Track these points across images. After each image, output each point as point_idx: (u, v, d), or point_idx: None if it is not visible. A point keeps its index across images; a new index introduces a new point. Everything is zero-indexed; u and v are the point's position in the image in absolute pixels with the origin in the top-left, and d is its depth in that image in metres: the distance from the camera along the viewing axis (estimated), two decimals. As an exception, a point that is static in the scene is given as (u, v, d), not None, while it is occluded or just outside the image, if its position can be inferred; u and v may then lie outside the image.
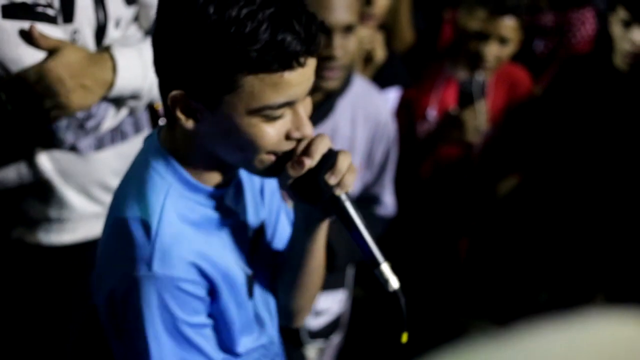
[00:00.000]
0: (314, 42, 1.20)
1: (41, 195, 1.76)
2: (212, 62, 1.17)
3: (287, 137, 1.25)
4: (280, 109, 1.21)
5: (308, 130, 1.26)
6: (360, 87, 2.16)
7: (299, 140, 1.26)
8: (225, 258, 1.34)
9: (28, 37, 1.55)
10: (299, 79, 1.20)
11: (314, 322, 2.26)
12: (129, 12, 1.77)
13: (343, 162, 1.27)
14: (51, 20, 1.60)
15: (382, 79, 2.54)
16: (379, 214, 2.29)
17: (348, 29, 1.92)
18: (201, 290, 1.28)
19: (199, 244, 1.28)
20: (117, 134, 1.80)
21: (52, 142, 1.65)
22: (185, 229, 1.27)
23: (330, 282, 2.26)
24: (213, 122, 1.23)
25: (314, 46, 1.20)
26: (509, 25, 2.55)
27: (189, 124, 1.23)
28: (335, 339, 2.40)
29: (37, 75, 1.55)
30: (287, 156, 1.26)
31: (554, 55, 3.11)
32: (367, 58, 2.61)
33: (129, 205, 1.28)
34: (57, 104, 1.57)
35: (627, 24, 2.50)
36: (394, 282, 1.28)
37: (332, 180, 1.27)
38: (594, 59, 2.73)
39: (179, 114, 1.23)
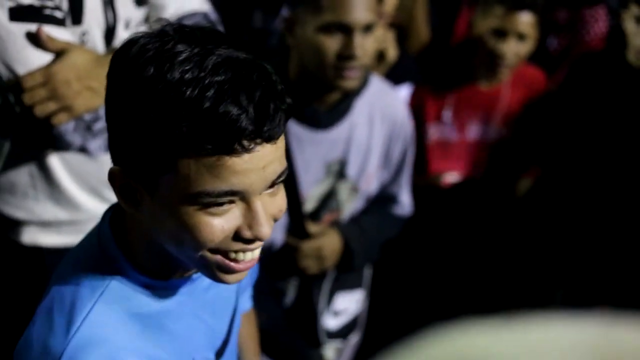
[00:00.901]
0: (269, 124, 0.97)
1: (53, 196, 1.75)
2: (143, 132, 0.97)
3: (237, 235, 1.03)
4: (223, 198, 0.99)
5: (264, 231, 1.03)
6: (377, 86, 2.16)
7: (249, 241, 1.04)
8: None
9: (35, 39, 1.54)
10: (246, 167, 0.98)
11: (332, 322, 2.25)
12: (139, 13, 1.76)
13: None
14: (59, 22, 1.58)
15: (393, 76, 2.53)
16: (396, 214, 2.29)
17: (368, 28, 1.90)
18: None
19: (127, 349, 1.06)
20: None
21: (60, 145, 1.64)
22: (117, 330, 1.07)
23: (348, 282, 2.26)
24: (152, 209, 1.03)
25: (270, 129, 0.98)
26: (526, 21, 2.54)
27: (127, 207, 1.06)
28: (353, 338, 2.39)
29: (44, 78, 1.55)
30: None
31: (568, 52, 3.10)
32: (379, 57, 2.61)
33: (64, 291, 1.10)
34: (64, 106, 1.57)
35: (640, 20, 2.52)
36: None
37: None
38: (607, 55, 2.73)
39: (118, 195, 1.05)
